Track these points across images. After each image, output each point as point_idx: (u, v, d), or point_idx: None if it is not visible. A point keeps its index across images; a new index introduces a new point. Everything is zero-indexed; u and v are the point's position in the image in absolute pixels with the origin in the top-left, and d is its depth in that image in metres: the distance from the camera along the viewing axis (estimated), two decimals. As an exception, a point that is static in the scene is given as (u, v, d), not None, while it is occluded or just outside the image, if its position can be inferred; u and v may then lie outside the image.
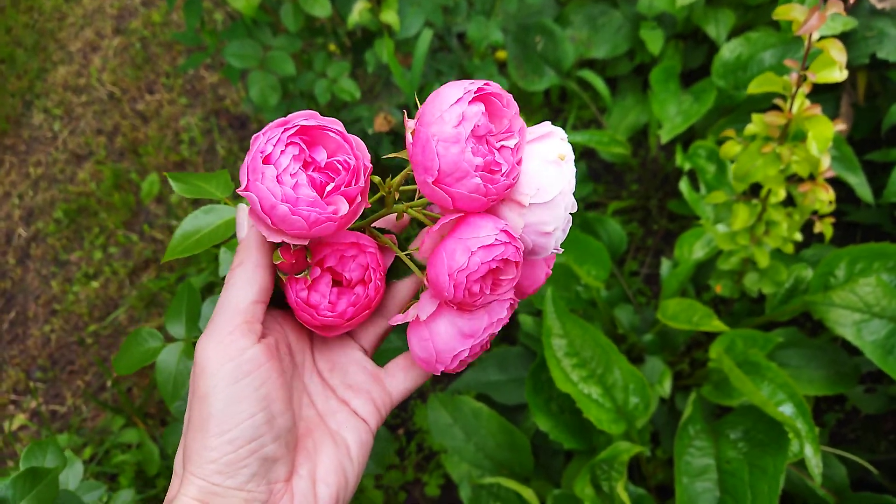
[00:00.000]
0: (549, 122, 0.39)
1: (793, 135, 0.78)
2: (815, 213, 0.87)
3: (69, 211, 1.74)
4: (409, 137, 0.36)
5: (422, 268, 0.40)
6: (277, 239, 0.36)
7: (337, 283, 0.41)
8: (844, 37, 1.12)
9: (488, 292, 0.37)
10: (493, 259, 0.35)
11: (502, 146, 0.37)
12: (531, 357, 1.07)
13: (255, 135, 0.36)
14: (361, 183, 0.37)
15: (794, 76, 0.73)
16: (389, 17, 1.13)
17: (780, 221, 0.85)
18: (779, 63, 1.18)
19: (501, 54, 1.59)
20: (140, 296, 1.56)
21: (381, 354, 0.54)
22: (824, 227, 0.86)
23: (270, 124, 0.36)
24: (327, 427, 0.41)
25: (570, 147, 0.38)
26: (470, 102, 0.35)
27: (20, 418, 1.46)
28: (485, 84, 0.36)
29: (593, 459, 0.82)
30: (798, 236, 0.87)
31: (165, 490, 1.23)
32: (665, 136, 1.24)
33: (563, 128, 1.53)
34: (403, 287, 0.45)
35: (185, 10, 1.19)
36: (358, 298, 0.40)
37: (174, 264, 1.59)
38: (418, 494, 1.24)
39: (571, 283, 1.09)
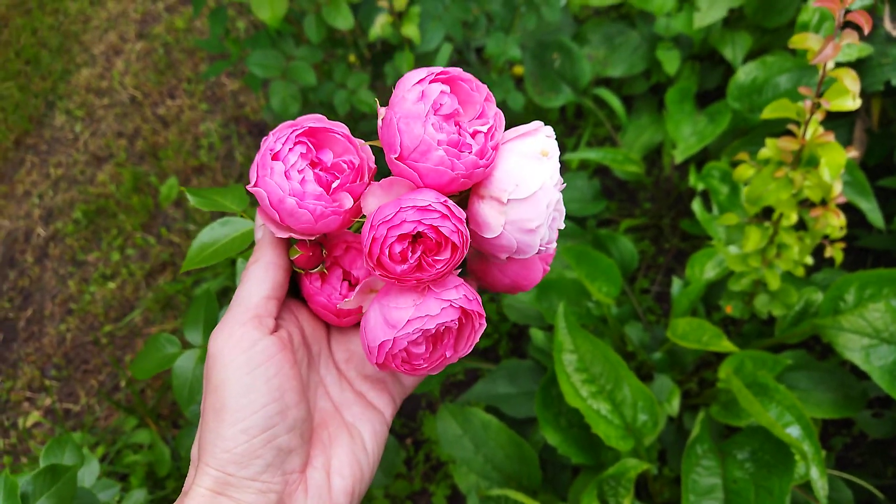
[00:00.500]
0: (539, 122, 0.39)
1: (806, 160, 0.79)
2: (826, 237, 0.88)
3: (88, 212, 1.76)
4: (379, 123, 0.37)
5: None
6: (285, 235, 0.38)
7: (346, 280, 0.42)
8: (859, 63, 1.13)
9: (412, 263, 0.35)
10: (420, 221, 0.34)
11: (476, 130, 0.37)
12: (541, 371, 1.08)
13: (265, 136, 0.37)
14: (366, 180, 0.39)
15: (808, 103, 0.74)
16: (411, 30, 1.15)
17: (791, 245, 0.86)
18: (794, 88, 1.19)
19: (518, 70, 1.61)
20: (156, 298, 1.58)
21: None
22: (835, 252, 0.86)
23: (280, 125, 0.38)
24: (343, 419, 0.41)
25: (554, 144, 0.37)
26: (431, 82, 0.35)
27: (34, 415, 1.48)
28: (449, 68, 0.36)
29: (601, 475, 0.83)
30: (809, 260, 0.88)
31: (175, 491, 1.25)
32: (679, 157, 1.25)
33: (578, 145, 1.54)
34: None
35: (210, 18, 1.22)
36: None
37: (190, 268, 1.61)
38: (424, 504, 1.25)
39: (583, 299, 1.10)
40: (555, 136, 0.38)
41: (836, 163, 0.74)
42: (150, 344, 0.67)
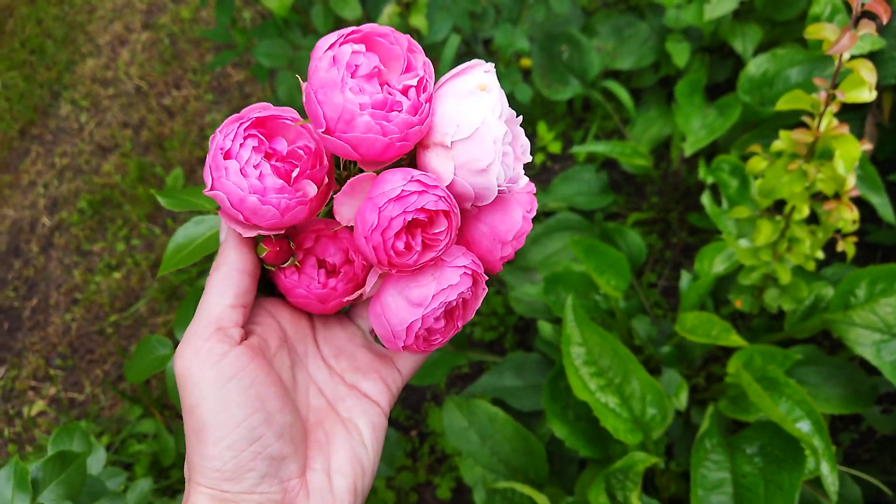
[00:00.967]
0: (477, 59, 0.36)
1: (819, 153, 0.79)
2: (837, 231, 0.88)
3: (93, 202, 1.76)
4: (304, 100, 0.34)
5: None
6: (253, 233, 0.36)
7: (322, 268, 0.41)
8: (871, 56, 1.12)
9: (418, 249, 0.35)
10: (405, 211, 0.33)
11: (406, 86, 0.34)
12: (548, 364, 1.08)
13: (212, 135, 0.36)
14: (326, 164, 0.37)
15: (822, 95, 0.73)
16: (418, 21, 1.14)
17: (803, 239, 0.85)
18: (805, 80, 1.18)
19: (526, 62, 1.60)
20: (161, 288, 1.58)
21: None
22: (847, 246, 0.86)
23: (226, 121, 0.36)
24: (338, 415, 0.40)
25: (493, 77, 0.35)
26: (342, 45, 0.33)
27: (39, 404, 1.48)
28: (362, 25, 0.34)
29: (608, 468, 0.82)
30: (820, 254, 0.88)
31: (180, 481, 1.25)
32: (689, 150, 1.24)
33: (586, 137, 1.53)
34: None
35: (217, 7, 1.21)
36: (345, 275, 0.40)
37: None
38: (430, 497, 1.24)
39: (590, 292, 1.10)
40: (494, 71, 0.35)
41: (850, 155, 0.74)
42: (143, 346, 0.66)
